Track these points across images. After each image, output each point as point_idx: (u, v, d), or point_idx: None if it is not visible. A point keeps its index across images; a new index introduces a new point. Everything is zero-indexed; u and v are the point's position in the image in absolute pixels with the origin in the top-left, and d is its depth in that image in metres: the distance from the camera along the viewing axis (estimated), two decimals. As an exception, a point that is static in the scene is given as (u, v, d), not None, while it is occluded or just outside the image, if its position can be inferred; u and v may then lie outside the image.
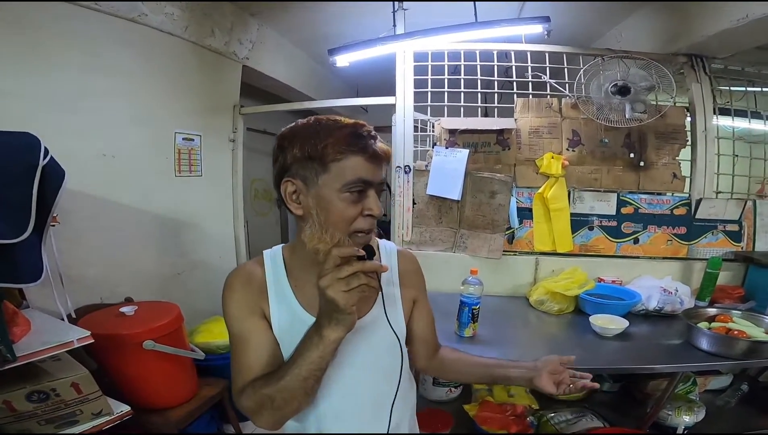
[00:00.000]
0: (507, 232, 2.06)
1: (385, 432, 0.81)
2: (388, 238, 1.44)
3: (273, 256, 0.84)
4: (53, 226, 1.26)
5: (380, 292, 0.70)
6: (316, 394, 0.75)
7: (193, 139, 2.47)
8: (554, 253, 2.06)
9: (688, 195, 2.07)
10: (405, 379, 0.84)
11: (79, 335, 1.25)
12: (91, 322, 1.51)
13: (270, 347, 0.77)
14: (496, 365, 0.94)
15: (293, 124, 0.75)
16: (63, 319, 1.36)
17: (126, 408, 1.41)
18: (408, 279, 0.90)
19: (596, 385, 0.87)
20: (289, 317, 0.78)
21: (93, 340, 1.27)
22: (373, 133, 0.73)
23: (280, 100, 3.55)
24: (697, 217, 2.04)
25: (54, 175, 1.20)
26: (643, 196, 2.05)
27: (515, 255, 2.08)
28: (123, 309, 1.65)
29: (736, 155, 2.09)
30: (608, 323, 1.58)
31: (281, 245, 0.87)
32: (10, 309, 1.25)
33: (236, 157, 2.85)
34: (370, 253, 0.68)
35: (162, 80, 2.23)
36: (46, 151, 1.18)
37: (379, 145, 0.72)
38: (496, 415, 1.62)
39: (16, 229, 1.08)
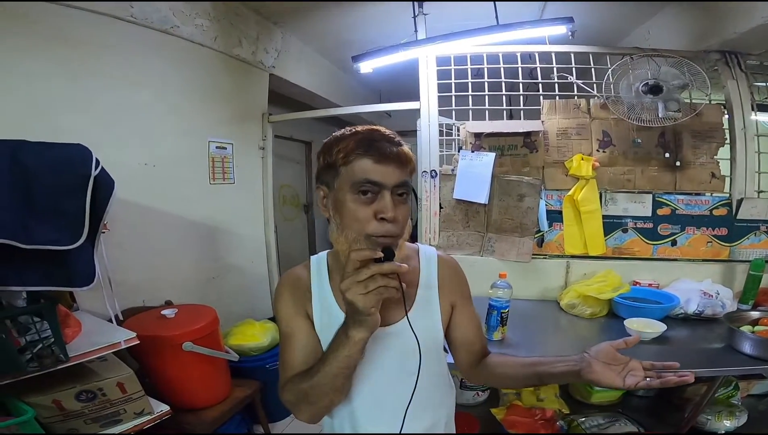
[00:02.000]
0: (536, 236, 2.04)
1: (406, 433, 0.81)
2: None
3: (318, 261, 0.90)
4: (103, 233, 1.34)
5: (402, 294, 0.69)
6: (347, 391, 0.79)
7: (225, 148, 2.57)
8: (586, 256, 2.01)
9: (728, 195, 1.99)
10: (432, 383, 0.85)
11: (126, 337, 1.32)
12: (135, 324, 1.59)
13: (312, 345, 0.82)
14: (540, 363, 0.83)
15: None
16: (111, 321, 1.43)
17: (165, 408, 1.47)
18: (448, 284, 0.90)
19: (690, 377, 0.68)
20: (328, 317, 0.82)
21: (138, 342, 1.34)
22: (391, 136, 0.75)
23: (306, 107, 3.63)
24: (738, 217, 1.96)
25: (104, 185, 1.28)
26: (681, 197, 1.98)
27: (545, 258, 2.05)
28: (164, 312, 1.73)
29: (778, 153, 2.00)
30: (644, 327, 1.54)
31: (327, 251, 0.91)
32: (62, 311, 1.33)
33: (266, 164, 2.94)
34: (390, 255, 0.68)
35: (195, 90, 2.34)
36: (97, 162, 1.26)
37: (394, 148, 0.73)
38: (524, 419, 1.61)
39: (71, 236, 1.16)
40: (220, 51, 2.45)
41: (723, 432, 1.54)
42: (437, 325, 0.87)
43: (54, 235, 1.15)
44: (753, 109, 1.98)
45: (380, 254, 0.67)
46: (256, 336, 2.22)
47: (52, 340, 1.18)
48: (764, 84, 2.01)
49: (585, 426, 1.62)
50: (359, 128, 0.77)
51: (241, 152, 2.69)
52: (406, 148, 0.77)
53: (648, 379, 0.70)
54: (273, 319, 2.61)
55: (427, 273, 0.89)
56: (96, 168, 1.23)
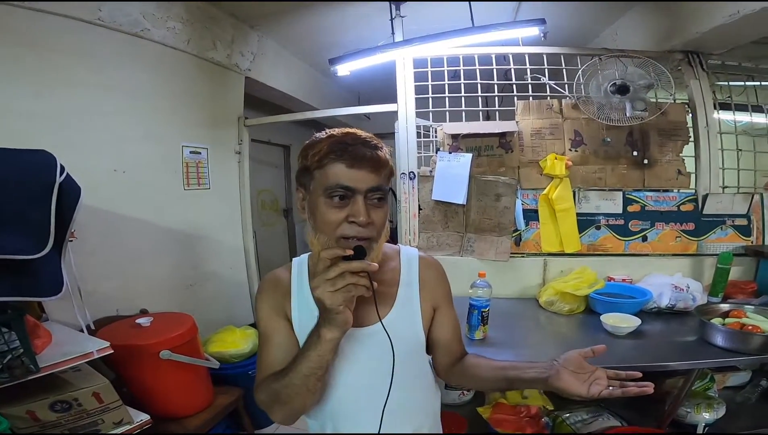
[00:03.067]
0: (514, 235, 2.07)
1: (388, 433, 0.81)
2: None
3: (299, 263, 0.90)
4: (71, 241, 1.30)
5: (373, 294, 0.70)
6: (319, 392, 0.78)
7: (200, 153, 2.52)
8: (562, 254, 2.06)
9: (694, 191, 2.07)
10: (415, 385, 0.86)
11: (98, 346, 1.29)
12: (108, 334, 1.55)
13: (289, 346, 0.81)
14: (511, 367, 0.83)
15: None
16: (82, 331, 1.39)
17: (146, 417, 1.44)
18: (429, 285, 0.89)
19: (650, 388, 0.70)
20: (307, 319, 0.81)
21: (112, 351, 1.30)
22: (367, 139, 0.75)
23: (283, 111, 3.60)
24: (704, 212, 2.04)
25: (70, 192, 1.24)
26: (649, 194, 2.05)
27: (523, 257, 2.09)
28: (139, 320, 1.69)
29: (740, 150, 2.09)
30: (620, 322, 1.58)
31: (308, 253, 0.91)
32: (31, 322, 1.28)
33: (243, 169, 2.90)
34: (360, 253, 0.69)
35: (167, 94, 2.29)
36: (62, 169, 1.22)
37: (368, 151, 0.72)
38: (510, 417, 1.62)
39: (36, 245, 1.12)
40: (193, 54, 2.41)
41: (704, 425, 1.56)
42: (418, 325, 0.86)
43: (18, 244, 1.10)
44: (715, 108, 2.06)
45: (349, 252, 0.68)
46: (236, 343, 2.18)
47: (21, 350, 1.14)
48: (725, 83, 2.10)
49: (570, 422, 1.64)
50: (335, 131, 0.76)
51: (216, 157, 2.64)
52: (383, 151, 0.76)
53: (611, 388, 0.70)
54: (254, 325, 2.57)
55: (407, 273, 0.89)
56: (61, 174, 1.20)
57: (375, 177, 0.73)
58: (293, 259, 0.92)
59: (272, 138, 4.50)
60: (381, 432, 0.79)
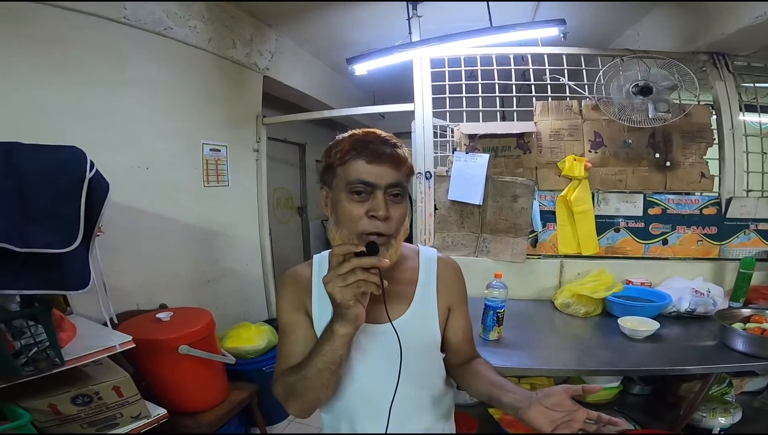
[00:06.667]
0: (530, 236, 2.05)
1: (403, 433, 0.82)
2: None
3: (320, 259, 0.92)
4: (98, 236, 1.33)
5: (383, 291, 0.70)
6: (333, 387, 0.79)
7: (219, 150, 2.56)
8: (579, 256, 2.04)
9: (717, 194, 2.02)
10: (428, 383, 0.86)
11: (121, 340, 1.31)
12: (129, 328, 1.58)
13: (307, 341, 0.82)
14: (498, 387, 0.80)
15: None
16: (106, 325, 1.42)
17: (162, 411, 1.46)
18: (446, 286, 0.91)
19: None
20: (328, 315, 0.81)
21: (134, 345, 1.33)
22: (386, 138, 0.78)
23: (300, 109, 3.63)
24: (727, 216, 1.99)
25: (99, 188, 1.27)
26: (671, 197, 2.01)
27: (539, 258, 2.07)
28: (159, 315, 1.73)
29: (765, 153, 2.04)
30: (638, 325, 1.56)
31: (330, 250, 0.91)
32: (57, 315, 1.32)
33: (260, 167, 2.94)
34: (373, 250, 0.69)
35: (189, 92, 2.33)
36: (92, 165, 1.25)
37: (388, 149, 0.76)
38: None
39: (66, 239, 1.16)
40: (213, 53, 2.45)
41: (719, 429, 1.54)
42: (434, 324, 0.87)
43: (48, 238, 1.14)
44: (741, 110, 2.01)
45: (361, 248, 0.68)
46: (252, 339, 2.21)
47: (47, 343, 1.17)
48: (751, 85, 2.05)
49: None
50: (357, 131, 0.80)
51: (235, 155, 2.68)
52: (402, 150, 0.78)
53: (581, 430, 0.67)
54: (269, 322, 2.61)
55: (426, 273, 0.90)
56: (90, 170, 1.23)
57: (394, 173, 0.76)
58: (314, 255, 0.93)
59: (288, 136, 4.55)
60: (388, 429, 0.79)
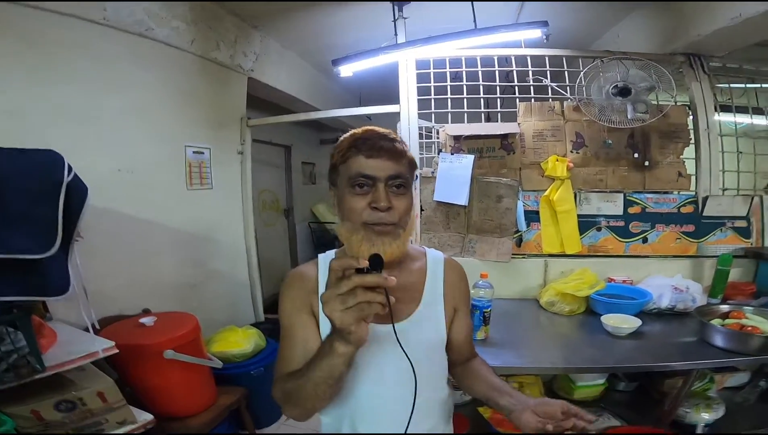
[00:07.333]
0: (515, 236, 2.08)
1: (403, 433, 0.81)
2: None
3: (326, 259, 0.90)
4: (77, 240, 1.30)
5: (390, 310, 0.63)
6: (331, 399, 0.76)
7: (203, 153, 2.53)
8: (563, 255, 2.07)
9: (694, 193, 2.08)
10: (433, 386, 0.85)
11: (104, 346, 1.29)
12: (112, 333, 1.55)
13: (310, 343, 0.80)
14: (496, 389, 0.86)
15: None
16: (88, 330, 1.39)
17: (149, 416, 1.44)
18: (452, 287, 0.92)
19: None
20: None
21: (118, 351, 1.31)
22: (384, 133, 0.80)
23: (285, 111, 3.62)
24: (704, 214, 2.05)
25: (78, 192, 1.24)
26: (650, 196, 2.06)
27: (524, 258, 2.10)
28: (143, 320, 1.70)
29: (740, 152, 2.10)
30: (621, 323, 1.59)
31: (335, 250, 0.93)
32: (36, 321, 1.29)
33: (245, 169, 2.92)
34: (377, 264, 0.61)
35: (171, 94, 2.30)
36: (70, 168, 1.22)
37: (387, 143, 0.78)
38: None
39: (44, 244, 1.13)
40: (197, 54, 2.42)
41: (703, 425, 1.57)
42: (441, 325, 0.88)
43: (26, 243, 1.11)
44: (716, 110, 2.08)
45: (363, 264, 0.60)
46: (239, 342, 2.19)
47: (27, 350, 1.15)
48: (726, 85, 2.11)
49: None
50: (357, 130, 0.82)
51: (219, 157, 2.65)
52: (400, 143, 0.80)
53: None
54: (256, 325, 2.58)
55: (433, 274, 0.91)
56: (69, 174, 1.20)
57: (394, 165, 0.78)
58: (318, 254, 0.92)
59: (273, 138, 4.52)
60: (404, 431, 0.78)
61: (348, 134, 0.82)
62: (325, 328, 0.81)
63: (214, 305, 2.55)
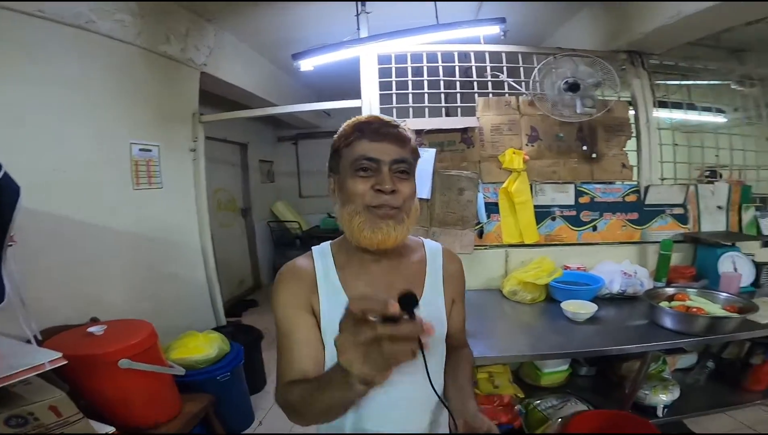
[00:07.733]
0: (476, 227, 2.13)
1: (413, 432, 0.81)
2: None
3: (321, 251, 0.87)
4: (10, 245, 1.19)
5: (423, 353, 0.55)
6: (341, 416, 0.72)
7: (150, 150, 2.38)
8: (522, 245, 2.15)
9: (636, 183, 2.23)
10: (435, 380, 0.84)
11: (50, 357, 1.18)
12: (58, 344, 1.42)
13: (312, 342, 0.78)
14: (457, 388, 0.86)
15: None
16: (30, 342, 1.27)
17: (110, 429, 1.33)
18: (451, 278, 0.92)
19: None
20: (338, 310, 0.77)
21: (66, 362, 1.20)
22: (387, 120, 0.80)
23: (241, 107, 3.48)
24: (646, 202, 2.20)
25: (8, 192, 1.13)
26: (597, 186, 2.19)
27: (486, 249, 2.16)
28: (91, 329, 1.57)
29: (676, 144, 2.28)
30: (579, 308, 1.67)
31: (329, 242, 0.90)
32: (-32, 336, 1.16)
33: (198, 167, 2.78)
34: (409, 302, 0.49)
35: (115, 89, 2.15)
36: (0, 166, 1.11)
37: (392, 129, 0.78)
38: (484, 406, 1.65)
39: (-26, 250, 1.02)
40: (143, 47, 2.27)
41: (662, 406, 1.62)
42: (442, 317, 0.88)
43: (-48, 249, 0.99)
44: (654, 105, 2.24)
45: (394, 310, 0.48)
46: (200, 348, 2.09)
47: (-40, 367, 1.03)
48: (664, 82, 2.28)
49: (541, 408, 1.69)
50: (360, 117, 0.81)
51: (169, 155, 2.51)
52: (404, 130, 0.80)
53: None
54: (217, 329, 2.48)
55: (433, 265, 0.91)
56: None
57: (398, 149, 0.78)
58: (312, 247, 0.88)
59: (229, 136, 4.36)
60: (394, 429, 0.78)
61: (351, 120, 0.81)
62: (327, 328, 0.79)
63: (172, 311, 2.41)
